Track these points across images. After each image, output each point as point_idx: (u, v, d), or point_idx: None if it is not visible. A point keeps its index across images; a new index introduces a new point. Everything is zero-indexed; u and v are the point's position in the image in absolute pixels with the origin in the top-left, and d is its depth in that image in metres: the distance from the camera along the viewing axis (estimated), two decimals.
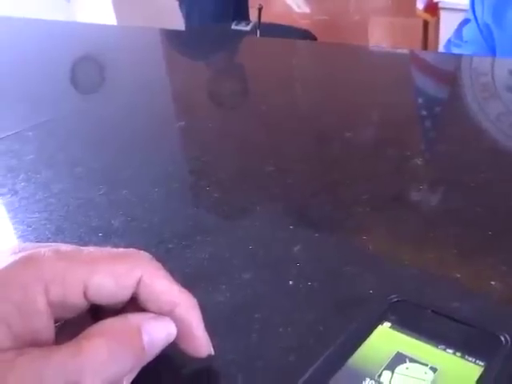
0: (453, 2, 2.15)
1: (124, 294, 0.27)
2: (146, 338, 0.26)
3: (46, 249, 0.26)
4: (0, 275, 0.24)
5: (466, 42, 1.08)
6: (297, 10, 3.09)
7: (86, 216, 0.45)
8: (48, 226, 0.44)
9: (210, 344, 0.28)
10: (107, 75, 0.92)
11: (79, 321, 0.27)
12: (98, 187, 0.49)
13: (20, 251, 0.26)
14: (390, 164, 0.50)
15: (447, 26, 2.08)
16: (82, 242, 0.42)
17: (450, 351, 0.27)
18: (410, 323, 0.29)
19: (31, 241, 0.42)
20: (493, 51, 1.04)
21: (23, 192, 0.50)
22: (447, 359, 0.27)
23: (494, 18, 1.02)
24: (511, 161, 0.51)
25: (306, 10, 3.09)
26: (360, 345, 0.28)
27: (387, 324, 0.29)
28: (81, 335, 0.25)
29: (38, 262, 0.25)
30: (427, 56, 1.00)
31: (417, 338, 0.28)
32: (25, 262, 0.25)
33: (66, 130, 0.65)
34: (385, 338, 0.28)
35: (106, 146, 0.60)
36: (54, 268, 0.25)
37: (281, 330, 0.31)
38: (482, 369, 0.26)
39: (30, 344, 0.24)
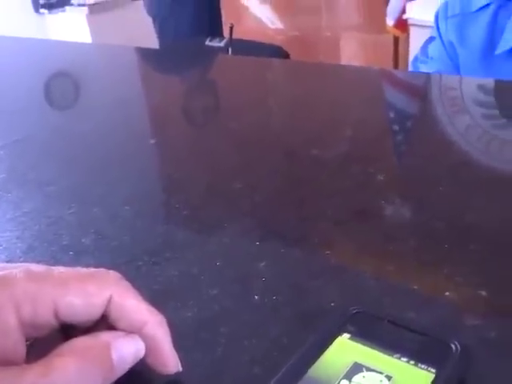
0: (422, 18, 2.21)
1: (94, 314, 0.28)
2: (115, 354, 0.27)
3: (17, 269, 0.27)
4: None
5: (432, 58, 1.12)
6: (270, 25, 3.14)
7: (57, 234, 0.46)
8: (19, 244, 0.45)
9: (178, 360, 0.30)
10: (80, 93, 0.92)
11: (50, 338, 0.28)
12: (68, 205, 0.50)
13: None
14: (355, 180, 0.52)
15: (417, 41, 2.13)
16: (54, 260, 0.42)
17: (405, 359, 0.28)
18: (367, 334, 0.30)
19: (2, 259, 0.43)
20: (457, 68, 1.08)
21: None
22: (401, 367, 0.28)
23: (456, 35, 1.06)
24: (471, 174, 0.53)
25: (280, 25, 3.14)
26: (319, 356, 0.29)
27: (346, 335, 0.30)
28: (51, 354, 0.26)
29: (9, 283, 0.26)
30: (397, 74, 1.03)
31: (374, 348, 0.29)
32: None
33: (37, 148, 0.66)
34: (343, 349, 0.29)
35: (78, 165, 0.61)
36: (25, 288, 0.26)
37: (246, 343, 0.33)
38: (434, 375, 0.27)
39: (1, 362, 0.25)
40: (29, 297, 0.26)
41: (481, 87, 0.79)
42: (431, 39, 1.14)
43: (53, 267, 0.28)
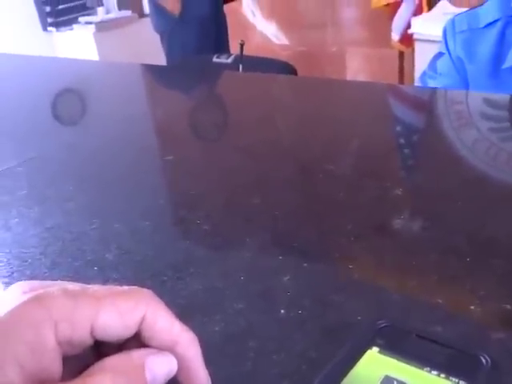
0: (427, 33, 2.23)
1: (128, 333, 0.28)
2: (149, 375, 0.27)
3: (54, 288, 0.27)
4: (12, 315, 0.25)
5: (441, 74, 1.13)
6: (276, 41, 3.16)
7: (81, 250, 0.46)
8: (43, 260, 0.45)
9: (209, 379, 0.30)
10: (91, 111, 0.93)
11: (82, 354, 0.28)
12: (90, 221, 0.51)
13: (30, 290, 0.27)
14: (372, 195, 0.53)
15: (422, 56, 2.15)
16: (78, 275, 0.43)
17: (435, 373, 0.29)
18: (396, 347, 0.30)
19: (28, 275, 0.43)
20: (466, 83, 1.09)
21: (17, 227, 0.51)
22: (432, 381, 0.28)
23: (465, 51, 1.07)
24: (486, 188, 0.54)
25: (285, 41, 3.16)
26: (350, 369, 0.29)
27: (375, 349, 0.31)
28: (86, 372, 0.26)
29: (47, 302, 0.26)
30: (404, 89, 1.04)
31: (404, 362, 0.30)
32: (35, 302, 0.26)
33: (53, 165, 0.67)
34: (374, 362, 0.30)
35: (94, 181, 0.61)
36: (62, 308, 0.26)
37: (274, 357, 0.33)
38: None
39: (39, 381, 0.25)
40: (66, 316, 0.26)
41: (486, 101, 0.80)
42: (440, 54, 1.15)
43: (87, 285, 0.29)
